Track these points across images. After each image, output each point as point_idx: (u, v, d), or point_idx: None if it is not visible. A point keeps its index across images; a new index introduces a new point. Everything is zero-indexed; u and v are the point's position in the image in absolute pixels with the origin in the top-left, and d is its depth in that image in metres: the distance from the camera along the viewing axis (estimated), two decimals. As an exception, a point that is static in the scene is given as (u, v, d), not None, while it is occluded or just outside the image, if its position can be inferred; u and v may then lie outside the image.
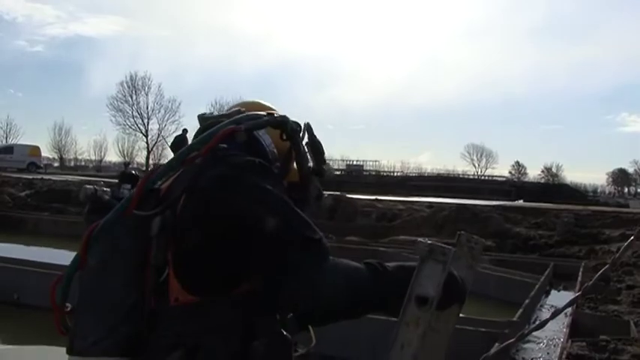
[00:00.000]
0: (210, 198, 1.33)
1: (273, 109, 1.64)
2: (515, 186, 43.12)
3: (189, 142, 1.44)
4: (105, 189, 1.48)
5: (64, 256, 9.83)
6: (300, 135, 1.55)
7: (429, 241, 1.36)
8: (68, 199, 17.54)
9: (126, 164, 57.67)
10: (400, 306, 1.32)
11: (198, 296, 1.33)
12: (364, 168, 52.10)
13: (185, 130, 27.14)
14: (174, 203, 1.36)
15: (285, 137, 1.52)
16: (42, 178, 22.24)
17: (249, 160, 1.38)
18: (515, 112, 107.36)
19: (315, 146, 1.58)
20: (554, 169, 61.23)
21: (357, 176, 40.27)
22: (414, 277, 1.33)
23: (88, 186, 1.47)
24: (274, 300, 1.31)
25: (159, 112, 55.97)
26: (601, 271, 1.80)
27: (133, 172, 1.44)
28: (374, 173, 48.32)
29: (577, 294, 1.88)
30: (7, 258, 7.40)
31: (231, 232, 1.30)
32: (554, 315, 1.75)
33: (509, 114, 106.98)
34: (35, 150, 39.10)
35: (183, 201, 1.36)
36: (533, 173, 62.31)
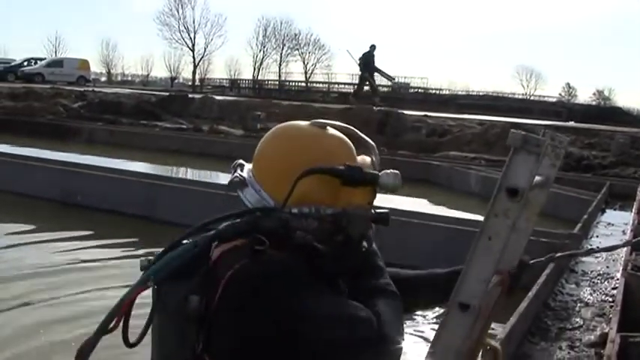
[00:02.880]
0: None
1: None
2: (565, 107, 41.86)
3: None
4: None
5: (121, 164, 10.20)
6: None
7: (523, 132, 1.27)
8: (119, 111, 17.84)
9: (172, 79, 58.03)
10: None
11: None
12: (411, 85, 51.13)
13: (373, 47, 24.49)
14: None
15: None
16: (93, 90, 22.58)
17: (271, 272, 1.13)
18: (566, 32, 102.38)
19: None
20: (606, 92, 58.71)
21: (403, 93, 39.51)
22: (505, 168, 1.26)
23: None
24: None
25: (205, 26, 55.86)
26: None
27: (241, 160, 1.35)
28: (421, 91, 47.43)
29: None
30: (70, 162, 7.63)
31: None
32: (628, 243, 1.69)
33: (559, 34, 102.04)
34: (84, 64, 39.15)
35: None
36: (584, 96, 59.93)
